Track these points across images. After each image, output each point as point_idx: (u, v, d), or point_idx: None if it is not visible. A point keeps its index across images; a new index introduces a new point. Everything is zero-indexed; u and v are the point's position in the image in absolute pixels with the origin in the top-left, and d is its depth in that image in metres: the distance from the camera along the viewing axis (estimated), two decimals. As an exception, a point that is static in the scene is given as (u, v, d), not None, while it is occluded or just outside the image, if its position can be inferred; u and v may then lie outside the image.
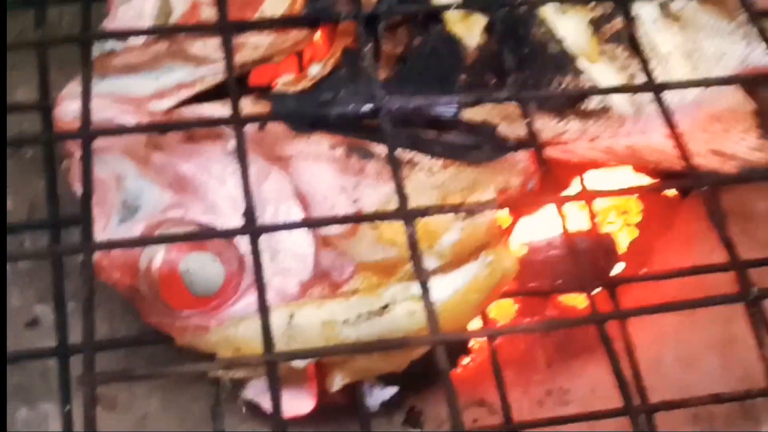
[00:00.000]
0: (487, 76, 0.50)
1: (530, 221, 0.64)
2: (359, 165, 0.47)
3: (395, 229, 0.45)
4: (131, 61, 0.48)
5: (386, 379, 0.64)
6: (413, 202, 0.39)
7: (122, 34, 0.49)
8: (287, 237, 0.46)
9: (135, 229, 0.46)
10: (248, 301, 0.45)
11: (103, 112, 0.45)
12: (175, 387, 0.66)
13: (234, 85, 0.43)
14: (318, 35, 0.51)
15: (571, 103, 0.51)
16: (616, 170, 0.55)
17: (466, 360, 0.68)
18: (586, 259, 0.59)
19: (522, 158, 0.50)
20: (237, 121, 0.42)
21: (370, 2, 0.49)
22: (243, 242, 0.44)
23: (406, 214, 0.39)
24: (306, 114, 0.49)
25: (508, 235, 0.57)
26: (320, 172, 0.47)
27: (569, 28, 0.52)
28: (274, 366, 0.35)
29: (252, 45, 0.48)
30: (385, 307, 0.45)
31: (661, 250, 0.71)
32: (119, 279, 0.46)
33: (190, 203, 0.46)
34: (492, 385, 0.49)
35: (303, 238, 0.46)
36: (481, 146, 0.49)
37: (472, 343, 0.68)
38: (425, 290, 0.37)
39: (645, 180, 0.56)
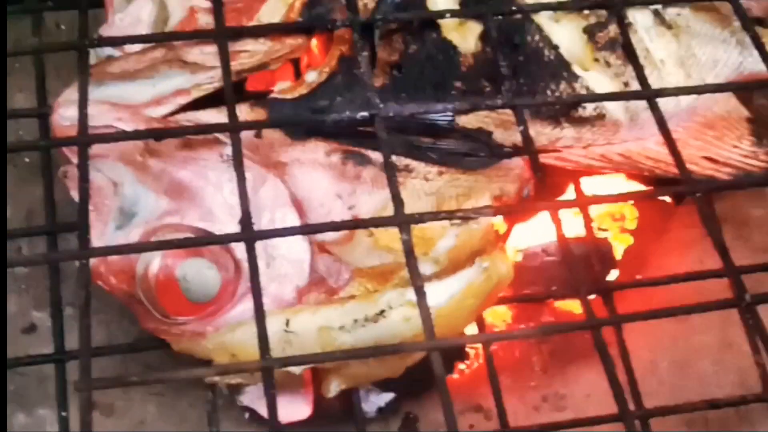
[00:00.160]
0: (482, 83, 0.50)
1: (525, 227, 0.64)
2: (355, 172, 0.47)
3: (391, 236, 0.45)
4: (128, 67, 0.48)
5: (382, 385, 0.64)
6: (409, 209, 0.40)
7: (119, 41, 0.49)
8: (283, 243, 0.46)
9: (132, 235, 0.46)
10: (244, 307, 0.45)
11: (100, 118, 0.45)
12: (172, 393, 0.65)
13: (230, 92, 0.43)
14: (314, 43, 0.51)
15: (565, 110, 0.51)
16: (611, 177, 0.56)
17: (462, 366, 0.68)
18: (581, 265, 0.59)
19: (517, 165, 0.50)
20: (233, 127, 0.42)
21: (366, 10, 0.49)
22: (239, 248, 0.44)
23: (402, 221, 0.39)
24: (302, 121, 0.49)
25: (504, 241, 0.57)
26: (316, 178, 0.47)
27: (564, 36, 0.52)
28: (270, 372, 0.35)
29: (248, 52, 0.49)
30: (381, 313, 0.45)
31: (655, 256, 0.71)
32: (116, 285, 0.46)
33: (186, 210, 0.46)
34: (488, 391, 0.49)
35: (299, 245, 0.46)
36: (477, 153, 0.49)
37: (468, 349, 0.68)
38: (421, 296, 0.37)
39: (639, 187, 0.56)
